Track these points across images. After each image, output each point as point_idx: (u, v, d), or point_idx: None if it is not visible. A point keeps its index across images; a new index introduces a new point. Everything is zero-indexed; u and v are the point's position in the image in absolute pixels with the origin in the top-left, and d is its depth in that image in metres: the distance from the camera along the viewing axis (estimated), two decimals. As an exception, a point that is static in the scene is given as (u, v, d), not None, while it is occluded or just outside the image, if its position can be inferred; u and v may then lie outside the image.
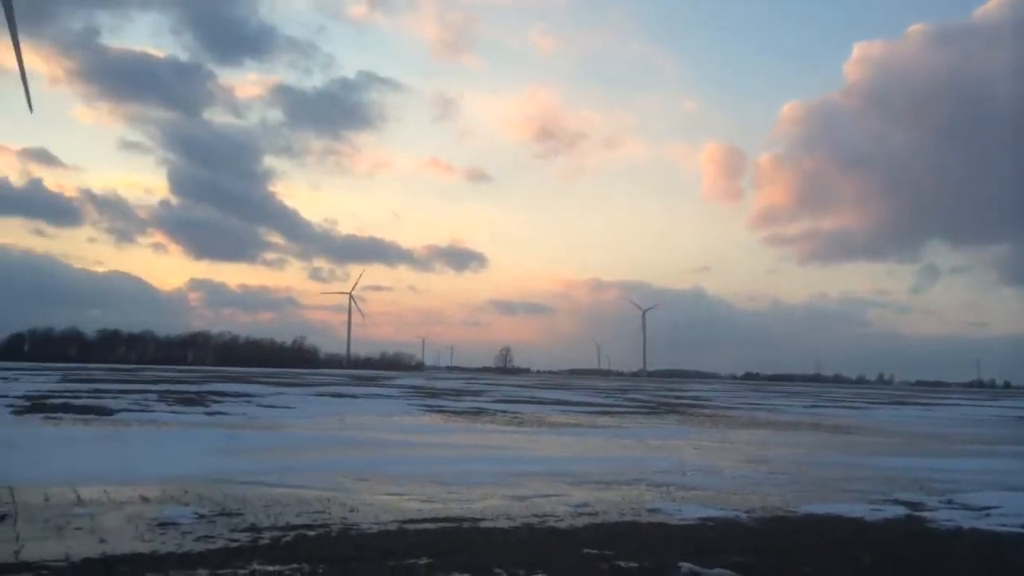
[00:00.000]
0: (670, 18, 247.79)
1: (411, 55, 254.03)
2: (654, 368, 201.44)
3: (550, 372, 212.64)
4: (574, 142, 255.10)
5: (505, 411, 28.90)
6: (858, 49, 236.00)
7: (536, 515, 8.45)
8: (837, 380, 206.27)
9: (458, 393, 45.41)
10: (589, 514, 8.65)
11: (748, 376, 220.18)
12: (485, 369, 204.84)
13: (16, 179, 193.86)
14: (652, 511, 8.96)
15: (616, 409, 33.77)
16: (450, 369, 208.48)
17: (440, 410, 28.09)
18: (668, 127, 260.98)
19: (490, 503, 9.14)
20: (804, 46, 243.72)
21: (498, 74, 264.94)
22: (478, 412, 27.70)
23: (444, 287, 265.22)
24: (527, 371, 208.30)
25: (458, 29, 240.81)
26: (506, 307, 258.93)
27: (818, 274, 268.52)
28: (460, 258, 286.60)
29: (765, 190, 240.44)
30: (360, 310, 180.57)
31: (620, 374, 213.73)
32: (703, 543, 7.33)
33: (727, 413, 33.87)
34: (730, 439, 20.26)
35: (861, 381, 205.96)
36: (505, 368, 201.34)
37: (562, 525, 7.98)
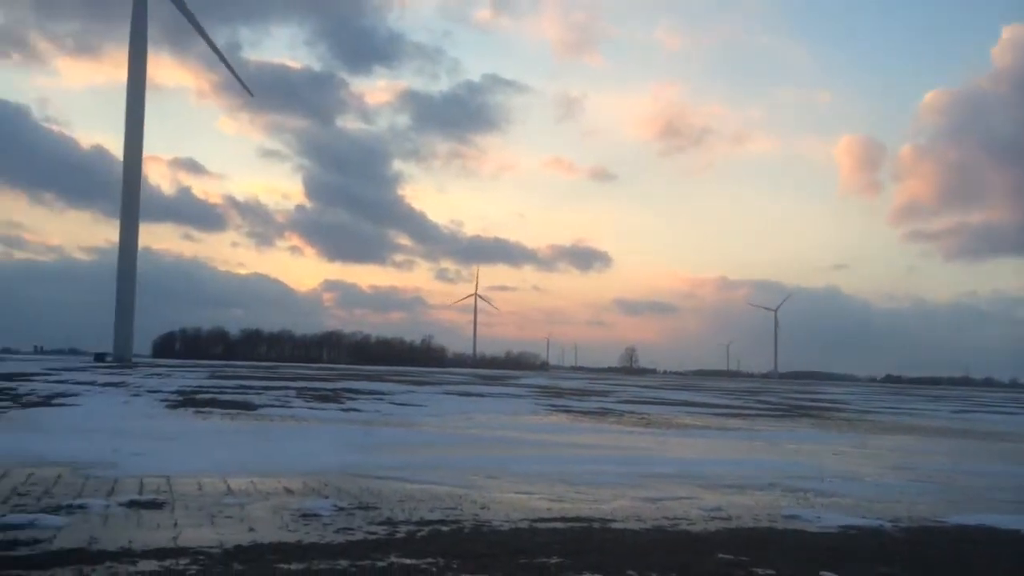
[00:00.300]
0: (801, 7, 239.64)
1: (535, 56, 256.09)
2: (786, 370, 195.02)
3: (676, 373, 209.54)
4: (701, 138, 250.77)
5: (631, 411, 28.66)
6: (1007, 32, 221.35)
7: (667, 518, 8.33)
8: (988, 384, 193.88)
9: (583, 393, 45.35)
10: (722, 518, 8.45)
11: (889, 379, 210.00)
12: (610, 369, 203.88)
13: (167, 188, 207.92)
14: (789, 517, 8.67)
15: (747, 411, 32.86)
16: (574, 369, 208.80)
17: (566, 410, 28.14)
18: (800, 120, 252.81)
19: (620, 504, 9.08)
20: (947, 30, 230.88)
21: (622, 72, 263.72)
22: (604, 412, 27.58)
23: (568, 287, 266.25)
24: (653, 371, 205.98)
25: (581, 29, 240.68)
26: (631, 306, 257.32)
27: (965, 271, 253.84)
28: (584, 257, 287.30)
29: (906, 184, 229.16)
30: (494, 306, 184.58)
31: (750, 375, 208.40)
32: (845, 552, 7.03)
33: (866, 417, 32.38)
34: (871, 444, 19.34)
35: (1015, 385, 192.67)
36: (630, 368, 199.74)
37: (695, 529, 7.83)
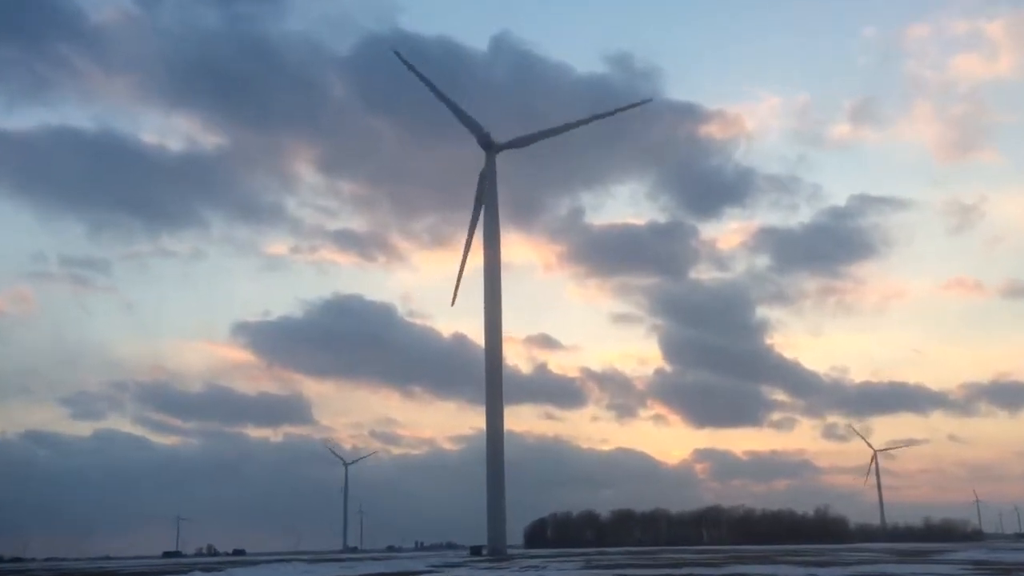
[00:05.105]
0: None
1: (910, 165, 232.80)
2: None
3: None
4: None
5: None
6: None
7: None
8: None
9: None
10: None
11: None
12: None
13: (524, 366, 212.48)
14: None
15: None
16: (1019, 537, 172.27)
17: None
18: None
19: None
20: None
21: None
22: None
23: (996, 433, 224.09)
24: None
25: (965, 123, 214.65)
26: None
27: None
28: (1012, 395, 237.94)
29: None
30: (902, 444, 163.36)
31: None
32: None
33: None
34: None
35: None
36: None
37: None
